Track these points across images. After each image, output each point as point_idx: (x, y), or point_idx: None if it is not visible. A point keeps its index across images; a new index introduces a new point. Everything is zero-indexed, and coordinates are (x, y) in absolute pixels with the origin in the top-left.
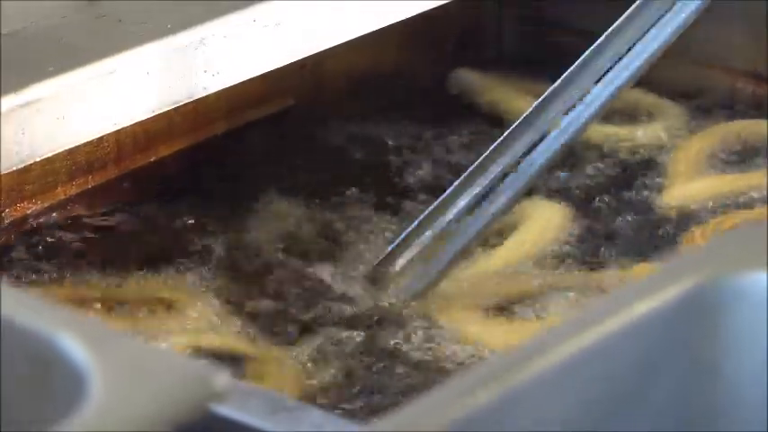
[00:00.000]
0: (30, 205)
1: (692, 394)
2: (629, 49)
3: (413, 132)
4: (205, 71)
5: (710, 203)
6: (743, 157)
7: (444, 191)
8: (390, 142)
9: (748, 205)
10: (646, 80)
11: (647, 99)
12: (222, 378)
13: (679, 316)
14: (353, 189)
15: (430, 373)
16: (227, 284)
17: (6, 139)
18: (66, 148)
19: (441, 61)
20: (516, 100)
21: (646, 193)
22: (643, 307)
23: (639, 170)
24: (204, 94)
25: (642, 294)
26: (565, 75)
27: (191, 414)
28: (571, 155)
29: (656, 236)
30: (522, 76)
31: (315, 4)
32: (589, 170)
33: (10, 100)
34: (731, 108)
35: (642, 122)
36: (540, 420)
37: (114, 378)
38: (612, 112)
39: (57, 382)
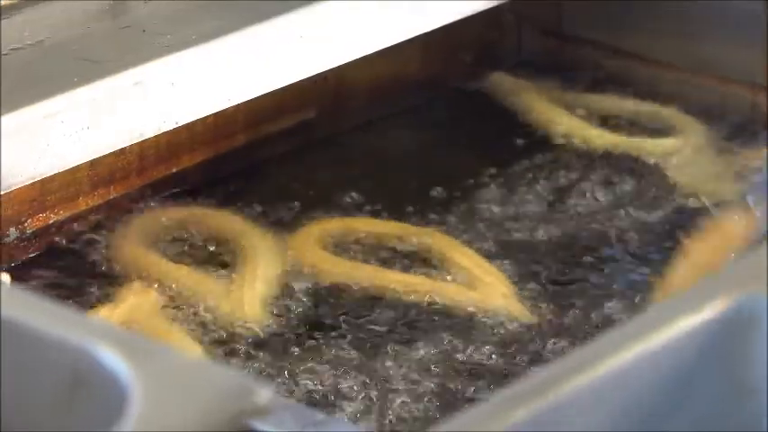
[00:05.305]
0: (51, 215)
1: (727, 410)
2: None
3: (433, 142)
4: (229, 82)
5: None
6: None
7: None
8: (410, 152)
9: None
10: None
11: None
12: (264, 392)
13: (717, 332)
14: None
15: None
16: None
17: (30, 150)
18: (92, 158)
19: (461, 71)
20: (544, 106)
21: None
22: (681, 324)
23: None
24: (228, 105)
25: (679, 311)
26: None
27: (231, 428)
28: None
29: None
30: (541, 85)
31: (337, 16)
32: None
33: (34, 110)
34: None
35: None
36: None
37: (155, 392)
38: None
39: (98, 396)
